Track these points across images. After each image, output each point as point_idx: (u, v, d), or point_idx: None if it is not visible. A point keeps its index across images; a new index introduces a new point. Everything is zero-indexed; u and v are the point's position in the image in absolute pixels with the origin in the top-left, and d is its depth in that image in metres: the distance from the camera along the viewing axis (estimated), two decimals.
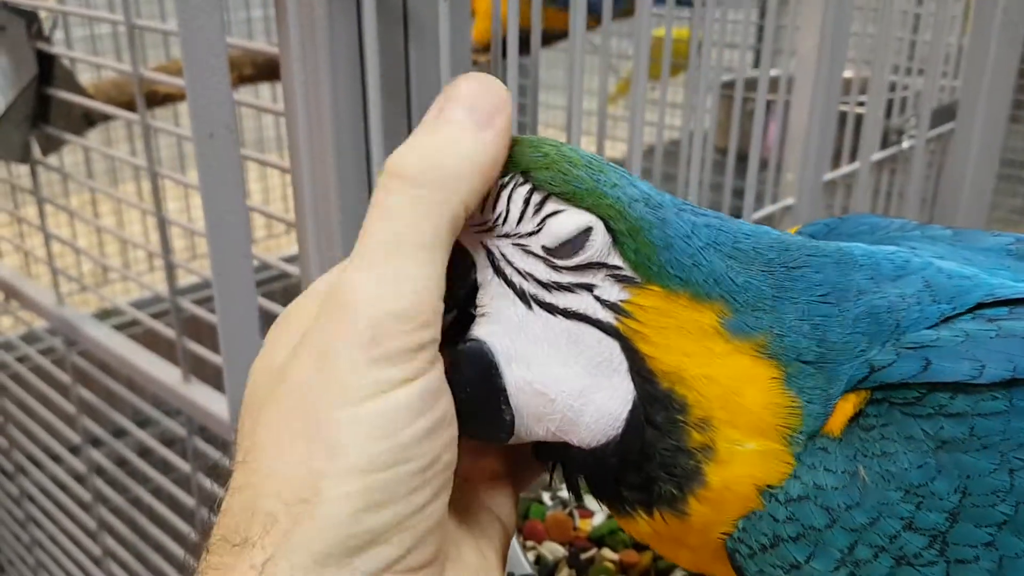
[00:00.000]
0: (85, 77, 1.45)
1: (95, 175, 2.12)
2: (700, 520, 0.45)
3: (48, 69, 1.27)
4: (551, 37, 1.77)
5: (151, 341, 1.38)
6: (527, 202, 0.44)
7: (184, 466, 1.37)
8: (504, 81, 1.02)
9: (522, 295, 0.45)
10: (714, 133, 1.46)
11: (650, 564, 0.70)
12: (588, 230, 0.44)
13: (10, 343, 1.71)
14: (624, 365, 0.45)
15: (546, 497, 0.78)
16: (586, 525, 0.75)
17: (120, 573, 1.60)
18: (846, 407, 0.43)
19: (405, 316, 0.40)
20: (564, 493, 0.78)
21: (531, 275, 0.45)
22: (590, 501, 0.77)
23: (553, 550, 0.71)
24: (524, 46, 0.98)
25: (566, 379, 0.45)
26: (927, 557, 0.41)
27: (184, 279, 1.93)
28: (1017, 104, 1.90)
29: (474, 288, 0.46)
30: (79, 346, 1.51)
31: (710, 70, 1.19)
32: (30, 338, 1.71)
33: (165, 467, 1.45)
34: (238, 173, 0.78)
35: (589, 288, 0.45)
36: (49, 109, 1.30)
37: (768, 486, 0.44)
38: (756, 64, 1.96)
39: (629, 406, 0.45)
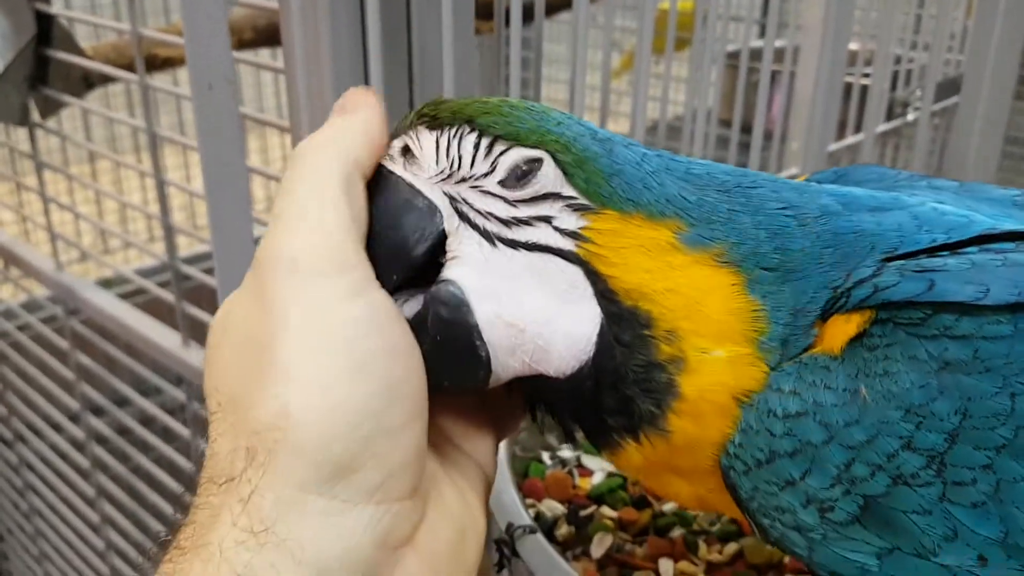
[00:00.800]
0: (84, 44, 1.44)
1: (95, 143, 2.11)
2: (683, 437, 0.46)
3: (47, 30, 1.25)
4: (554, 7, 1.76)
5: (153, 310, 1.38)
6: (476, 146, 0.47)
7: (185, 433, 1.37)
8: (507, 51, 1.01)
9: (485, 235, 0.47)
10: (718, 107, 1.45)
11: (649, 521, 0.70)
12: (538, 161, 0.47)
13: (10, 311, 1.70)
14: (589, 289, 0.46)
15: (546, 456, 0.78)
16: (585, 484, 0.75)
17: (119, 540, 1.61)
18: (848, 327, 0.44)
19: (316, 243, 0.44)
20: (564, 453, 0.78)
21: (491, 214, 0.47)
22: (588, 460, 0.77)
23: (552, 507, 0.71)
24: (528, 15, 0.97)
25: (534, 309, 0.47)
26: (924, 477, 0.41)
27: (187, 249, 1.93)
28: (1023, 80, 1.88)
29: (443, 237, 0.47)
30: (80, 314, 1.51)
31: (714, 44, 1.18)
32: (31, 306, 1.71)
33: (166, 435, 1.45)
34: (237, 126, 0.78)
35: (547, 220, 0.47)
36: (48, 71, 1.29)
37: (743, 394, 0.44)
38: (761, 36, 1.94)
39: (597, 328, 0.46)
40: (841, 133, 1.45)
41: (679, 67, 2.10)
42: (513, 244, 0.47)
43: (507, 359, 0.47)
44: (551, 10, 1.72)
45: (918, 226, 0.46)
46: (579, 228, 0.46)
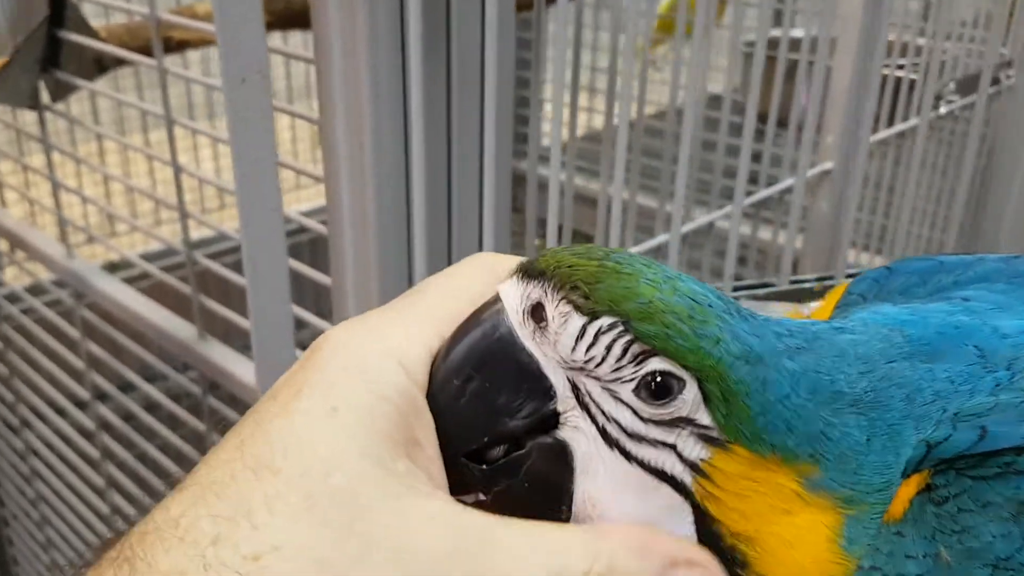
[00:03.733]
0: (97, 25, 1.40)
1: (103, 126, 2.08)
2: None
3: (59, 11, 1.22)
4: None
5: (157, 293, 1.35)
6: (625, 351, 0.42)
7: (193, 422, 1.34)
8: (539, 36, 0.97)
9: (604, 433, 0.44)
10: (748, 97, 1.41)
11: None
12: (683, 386, 0.42)
13: (15, 294, 1.67)
14: (690, 517, 0.44)
15: None
16: None
17: (126, 529, 1.58)
18: (908, 490, 0.42)
19: None
20: None
21: (616, 420, 0.44)
22: None
23: None
24: None
25: (630, 513, 0.44)
26: None
27: (194, 232, 1.89)
28: None
29: (551, 415, 0.44)
30: (87, 299, 1.48)
31: (733, 31, 1.14)
32: (36, 290, 1.68)
33: (173, 423, 1.43)
34: (270, 121, 0.74)
35: (672, 447, 0.43)
36: (60, 53, 1.25)
37: None
38: (787, 23, 1.90)
39: None
40: (873, 127, 1.42)
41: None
42: (629, 456, 0.44)
43: None
44: None
45: (984, 367, 0.44)
46: (700, 460, 0.43)
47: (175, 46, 1.34)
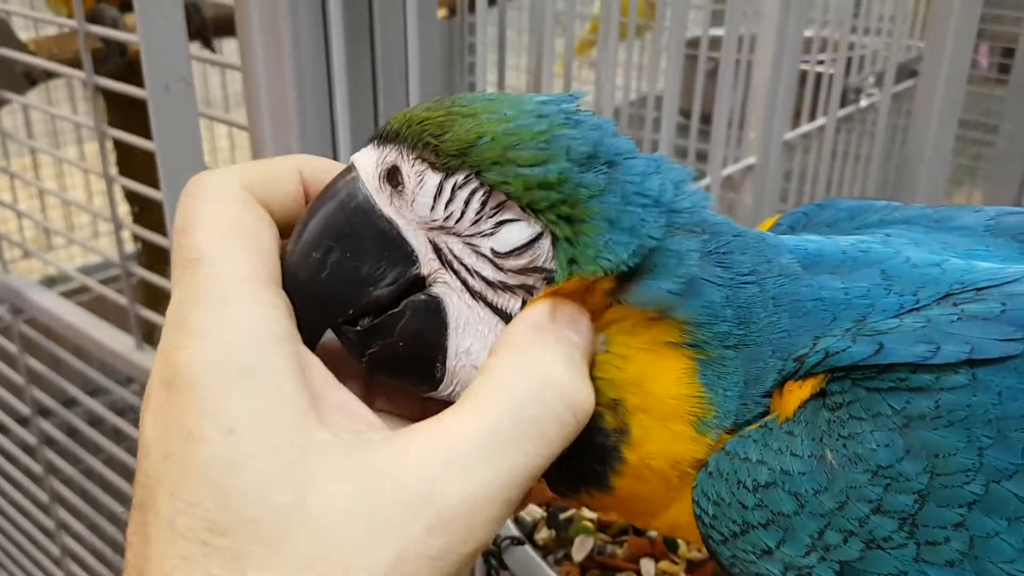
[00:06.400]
0: (25, 36, 1.39)
1: (36, 138, 2.05)
2: (626, 492, 0.46)
3: None
4: None
5: (96, 306, 1.35)
6: (484, 205, 0.43)
7: (138, 435, 1.33)
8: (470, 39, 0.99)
9: (466, 285, 0.45)
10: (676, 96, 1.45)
11: (628, 522, 0.70)
12: (538, 236, 0.43)
13: None
14: None
15: None
16: None
17: (74, 545, 1.57)
18: (802, 392, 0.44)
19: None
20: None
21: (479, 273, 0.44)
22: None
23: (531, 511, 0.70)
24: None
25: None
26: (897, 540, 0.40)
27: (132, 244, 1.88)
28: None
29: (416, 281, 0.45)
30: (25, 314, 1.46)
31: (665, 32, 1.18)
32: None
33: (117, 436, 1.42)
34: (195, 129, 0.75)
35: (529, 289, 0.45)
36: None
37: (686, 464, 0.45)
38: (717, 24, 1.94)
39: None
40: (796, 121, 1.46)
41: (641, 53, 2.10)
42: (492, 306, 0.45)
43: (459, 391, 0.45)
44: None
45: (887, 288, 0.46)
46: None
47: (104, 58, 1.34)
